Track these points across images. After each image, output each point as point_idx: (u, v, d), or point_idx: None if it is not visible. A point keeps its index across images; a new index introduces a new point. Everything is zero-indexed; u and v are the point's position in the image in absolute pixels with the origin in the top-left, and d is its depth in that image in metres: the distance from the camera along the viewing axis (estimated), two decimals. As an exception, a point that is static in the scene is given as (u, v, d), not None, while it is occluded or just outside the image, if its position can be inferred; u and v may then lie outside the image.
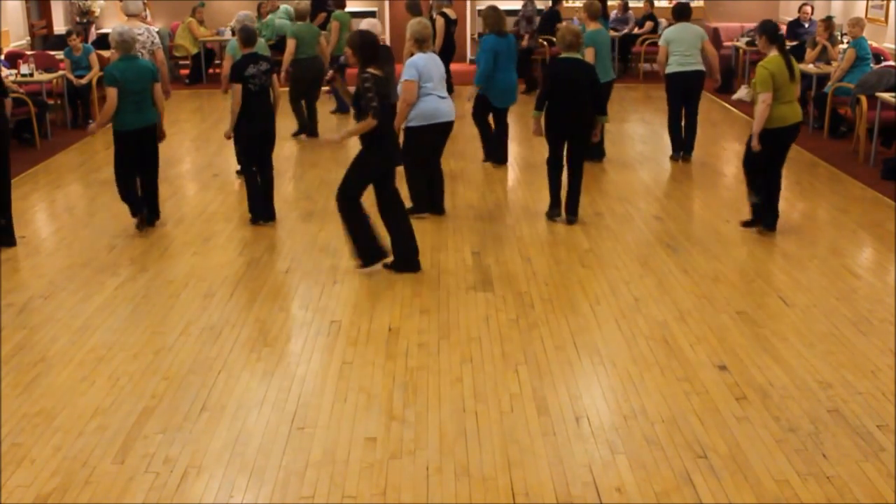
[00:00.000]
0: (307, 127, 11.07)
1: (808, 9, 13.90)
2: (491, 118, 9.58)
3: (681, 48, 9.52)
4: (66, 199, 8.69)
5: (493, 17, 9.16)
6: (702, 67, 9.60)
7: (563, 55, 7.53)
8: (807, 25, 13.65)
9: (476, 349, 5.34)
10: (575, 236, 7.39)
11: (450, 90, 12.32)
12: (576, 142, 7.55)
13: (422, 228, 7.49)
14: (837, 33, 12.24)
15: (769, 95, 6.94)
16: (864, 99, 9.72)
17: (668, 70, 9.64)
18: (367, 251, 6.51)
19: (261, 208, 7.72)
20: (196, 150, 10.72)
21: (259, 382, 4.96)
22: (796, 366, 5.12)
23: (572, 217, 7.71)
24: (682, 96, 9.70)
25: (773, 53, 7.07)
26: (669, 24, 15.52)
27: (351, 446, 4.32)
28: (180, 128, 11.98)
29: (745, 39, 14.46)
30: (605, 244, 7.21)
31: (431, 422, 4.53)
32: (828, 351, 5.31)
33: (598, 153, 9.71)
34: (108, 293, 6.27)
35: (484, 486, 4.00)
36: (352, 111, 6.60)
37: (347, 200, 6.42)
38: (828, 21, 11.77)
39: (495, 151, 9.69)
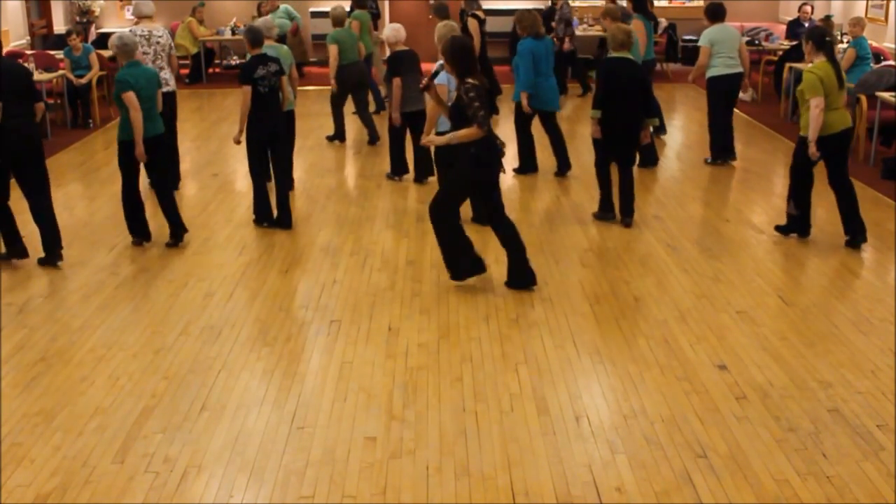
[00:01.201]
0: (344, 135, 10.85)
1: (808, 8, 13.91)
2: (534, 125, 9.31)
3: (724, 50, 9.28)
4: (66, 198, 8.68)
5: (529, 19, 8.88)
6: (742, 69, 9.46)
7: (615, 55, 7.43)
8: (807, 25, 13.64)
9: (476, 349, 5.34)
10: (575, 236, 7.39)
11: (496, 91, 12.05)
12: (626, 142, 7.51)
13: (421, 229, 7.50)
14: (837, 33, 12.25)
15: (821, 100, 6.71)
16: (864, 98, 9.73)
17: (714, 73, 9.37)
18: (456, 264, 6.23)
19: (266, 211, 7.63)
20: (196, 149, 10.72)
21: (259, 382, 4.96)
22: (796, 365, 5.12)
23: (629, 219, 7.62)
24: (725, 99, 9.50)
25: (821, 59, 6.86)
26: (670, 24, 15.71)
27: (351, 446, 4.32)
28: (180, 127, 11.89)
29: (745, 39, 14.45)
30: (605, 244, 7.21)
31: (431, 421, 4.53)
32: (828, 350, 5.31)
33: (652, 159, 9.52)
34: (108, 293, 6.27)
35: (484, 486, 4.00)
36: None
37: (443, 216, 6.13)
38: (826, 21, 11.77)
39: (530, 162, 9.40)
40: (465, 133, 5.89)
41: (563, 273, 6.58)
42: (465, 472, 4.09)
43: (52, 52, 12.59)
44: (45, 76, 11.39)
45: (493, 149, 6.02)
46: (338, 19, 10.61)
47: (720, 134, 9.67)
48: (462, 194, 6.25)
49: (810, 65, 6.92)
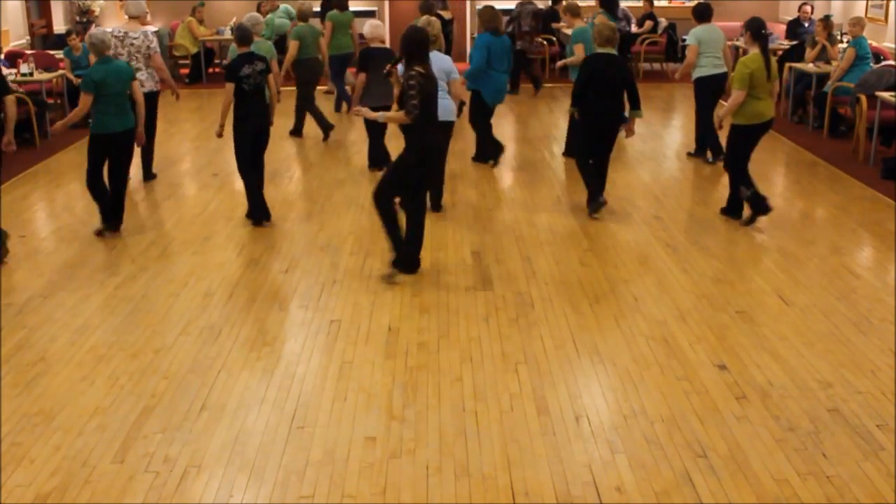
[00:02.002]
0: (329, 127, 10.99)
1: (808, 8, 13.91)
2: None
3: (711, 50, 9.41)
4: (66, 198, 8.69)
5: (488, 15, 9.21)
6: (727, 69, 9.49)
7: (599, 50, 7.64)
8: (807, 25, 13.65)
9: (476, 349, 5.34)
10: (575, 236, 7.39)
11: None
12: (611, 134, 7.75)
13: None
14: (837, 33, 12.25)
15: (743, 94, 7.21)
16: (863, 98, 9.73)
17: (701, 73, 9.47)
18: (398, 251, 6.51)
19: (260, 209, 7.70)
20: (196, 149, 10.72)
21: (259, 382, 4.96)
22: (796, 365, 5.12)
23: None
24: (711, 99, 9.59)
25: (755, 51, 7.26)
26: (670, 24, 15.71)
27: (351, 446, 4.32)
28: (180, 127, 11.99)
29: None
30: (605, 243, 7.21)
31: (431, 421, 4.53)
32: (828, 350, 5.31)
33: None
34: (108, 292, 6.27)
35: (484, 486, 4.00)
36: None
37: (380, 199, 6.43)
38: (826, 20, 11.77)
39: (492, 151, 9.65)
40: (394, 116, 6.27)
41: (563, 273, 6.58)
42: (465, 472, 4.09)
43: (52, 52, 12.60)
44: (45, 76, 11.40)
45: (435, 139, 6.32)
46: (303, 15, 10.84)
47: (712, 132, 9.72)
48: (401, 181, 6.42)
49: (744, 57, 7.37)
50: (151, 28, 8.60)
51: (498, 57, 9.13)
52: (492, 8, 9.34)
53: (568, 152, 9.94)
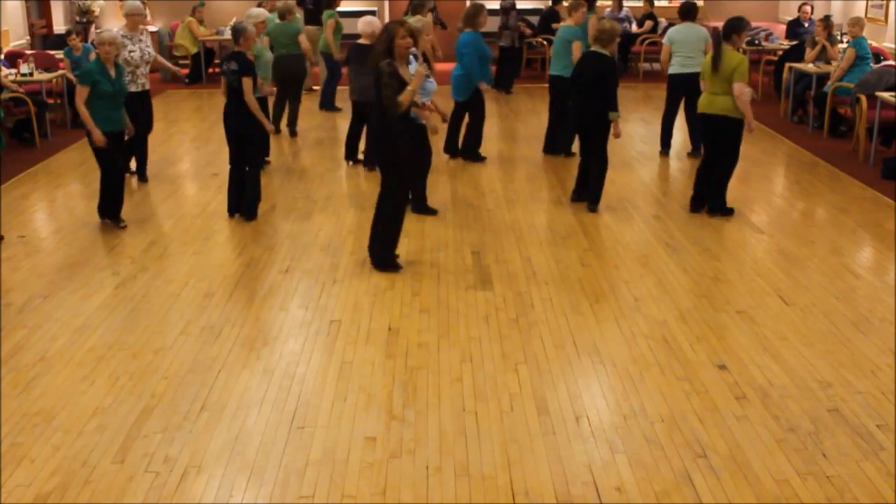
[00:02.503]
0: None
1: (808, 8, 13.91)
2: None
3: (683, 49, 9.70)
4: (66, 198, 8.68)
5: (464, 13, 9.67)
6: (699, 69, 9.52)
7: (591, 48, 7.96)
8: (807, 25, 13.65)
9: (476, 349, 5.34)
10: (575, 236, 7.39)
11: None
12: (595, 133, 7.90)
13: (421, 228, 7.50)
14: (837, 33, 12.25)
15: (702, 83, 7.92)
16: (863, 98, 9.73)
17: (671, 71, 9.86)
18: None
19: (233, 202, 7.95)
20: (196, 149, 10.72)
21: (259, 382, 4.96)
22: (796, 365, 5.12)
23: (592, 206, 8.07)
24: (683, 97, 9.84)
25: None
26: (670, 24, 15.72)
27: (351, 446, 4.32)
28: (180, 127, 11.99)
29: (745, 39, 14.43)
30: (605, 243, 7.21)
31: (431, 421, 4.53)
32: (828, 350, 5.31)
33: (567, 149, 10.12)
34: (108, 292, 6.27)
35: (484, 486, 4.00)
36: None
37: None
38: (826, 20, 11.77)
39: (451, 146, 10.10)
40: None
41: (562, 273, 6.58)
42: (465, 472, 4.09)
43: (51, 52, 12.60)
44: (45, 76, 11.40)
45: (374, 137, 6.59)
46: (280, 13, 10.97)
47: (669, 127, 10.19)
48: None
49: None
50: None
51: (456, 54, 9.56)
52: (473, 6, 9.60)
53: (547, 149, 10.26)
